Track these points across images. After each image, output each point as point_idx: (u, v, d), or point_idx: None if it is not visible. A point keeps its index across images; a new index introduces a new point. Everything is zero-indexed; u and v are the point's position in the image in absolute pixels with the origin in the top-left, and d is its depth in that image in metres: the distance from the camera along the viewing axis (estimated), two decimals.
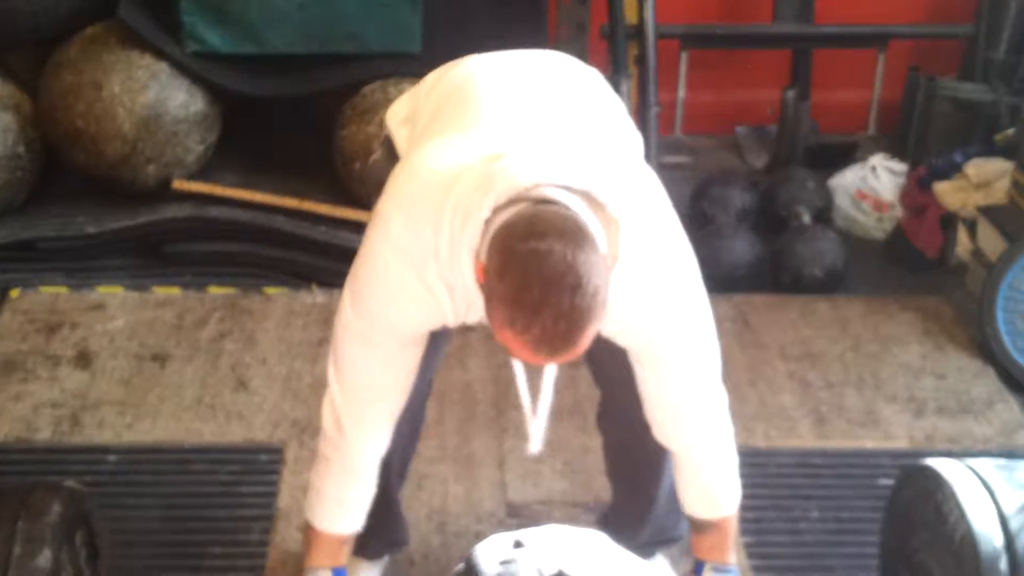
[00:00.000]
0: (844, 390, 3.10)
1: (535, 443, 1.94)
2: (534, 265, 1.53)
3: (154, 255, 3.50)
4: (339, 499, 1.98)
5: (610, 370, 2.07)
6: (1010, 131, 3.71)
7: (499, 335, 1.59)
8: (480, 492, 2.69)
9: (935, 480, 2.05)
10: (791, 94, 4.00)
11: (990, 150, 3.78)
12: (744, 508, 2.65)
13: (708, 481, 2.00)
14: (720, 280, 3.49)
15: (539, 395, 1.91)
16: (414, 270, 1.75)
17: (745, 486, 2.72)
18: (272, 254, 3.47)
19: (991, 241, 3.45)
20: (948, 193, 3.64)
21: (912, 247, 3.74)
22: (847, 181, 3.93)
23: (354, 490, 1.98)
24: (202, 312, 3.34)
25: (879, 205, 3.87)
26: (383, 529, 2.31)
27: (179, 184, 3.50)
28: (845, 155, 4.10)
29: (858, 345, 3.29)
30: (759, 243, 3.65)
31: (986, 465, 2.06)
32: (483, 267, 1.61)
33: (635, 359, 1.90)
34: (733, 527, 2.06)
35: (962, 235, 3.61)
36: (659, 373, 1.90)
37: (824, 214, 3.88)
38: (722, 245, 3.56)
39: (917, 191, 3.78)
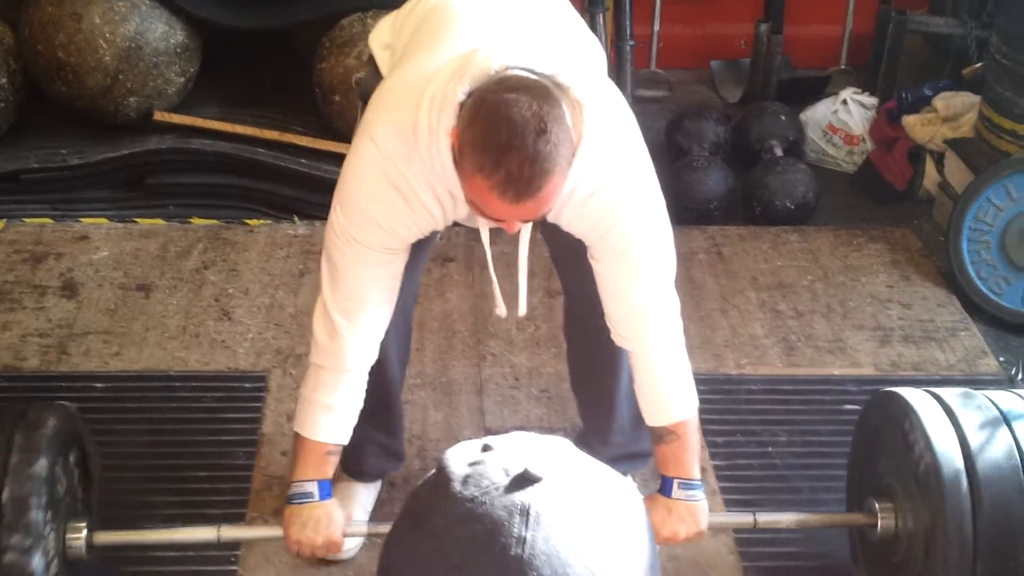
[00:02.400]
0: (813, 319, 3.18)
1: (501, 308, 2.04)
2: (503, 110, 1.63)
3: (137, 187, 3.54)
4: (328, 405, 2.01)
5: (574, 270, 2.16)
6: (978, 65, 3.77)
7: (469, 188, 1.70)
8: (459, 418, 2.77)
9: (903, 408, 2.12)
10: (764, 28, 4.04)
11: (959, 84, 3.85)
12: (714, 433, 2.77)
13: (663, 383, 2.06)
14: (694, 212, 3.57)
15: (517, 261, 2.01)
16: (400, 176, 1.83)
17: (715, 412, 2.83)
18: (254, 186, 3.51)
19: (958, 174, 3.53)
20: (917, 126, 3.71)
21: (881, 179, 3.81)
22: (818, 115, 3.99)
23: (343, 396, 2.02)
24: (185, 243, 3.39)
25: (849, 138, 3.93)
26: (386, 433, 2.40)
27: (161, 116, 3.53)
28: (817, 89, 4.16)
29: (827, 275, 3.37)
30: (732, 176, 3.71)
31: (951, 394, 2.14)
32: (458, 132, 1.71)
33: (593, 254, 1.98)
34: (694, 438, 2.09)
35: (930, 168, 3.69)
36: (615, 266, 1.97)
37: (796, 147, 3.94)
38: (696, 178, 3.62)
39: (886, 124, 3.85)
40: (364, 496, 2.48)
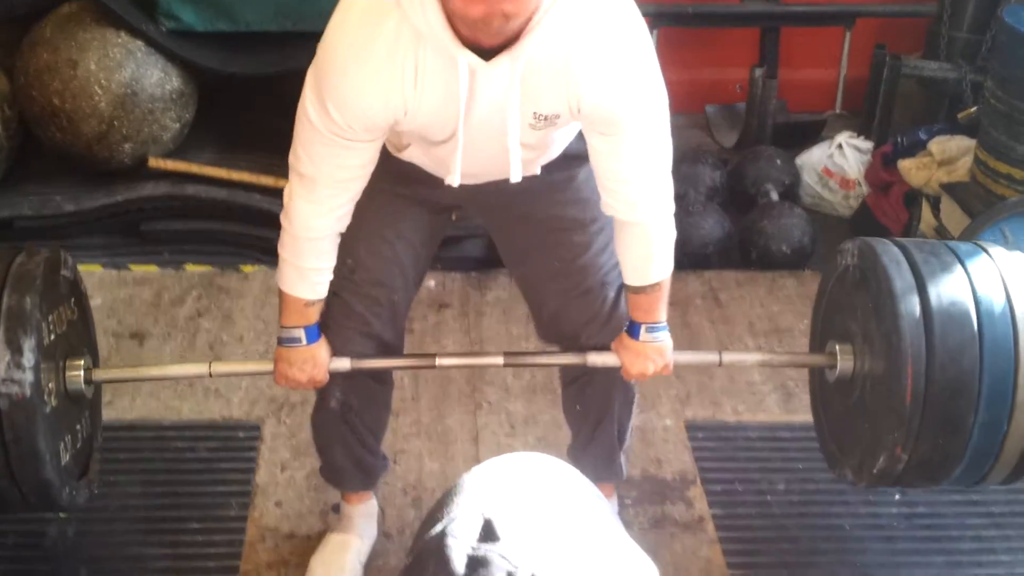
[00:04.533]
0: None
1: (455, 177, 2.00)
2: None
3: (132, 233, 3.53)
4: (298, 267, 2.10)
5: (538, 273, 2.24)
6: (973, 109, 3.77)
7: None
8: (455, 467, 2.75)
9: (865, 254, 2.20)
10: (759, 73, 4.05)
11: (953, 128, 3.85)
12: (712, 481, 2.75)
13: (652, 250, 2.11)
14: (690, 257, 3.56)
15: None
16: (375, 35, 1.81)
17: (713, 459, 2.82)
18: (249, 232, 3.50)
19: (954, 218, 3.52)
20: (912, 170, 3.71)
21: (877, 223, 3.81)
22: (814, 159, 3.99)
23: (310, 260, 2.09)
24: (179, 290, 3.37)
25: (845, 182, 3.93)
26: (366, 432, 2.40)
27: (155, 162, 3.52)
28: (812, 133, 4.16)
29: None
30: (728, 220, 3.71)
31: (914, 244, 2.21)
32: None
33: (591, 128, 1.97)
34: (666, 289, 2.17)
35: (926, 212, 3.68)
36: (608, 138, 1.97)
37: (792, 191, 3.94)
38: (692, 222, 3.61)
39: (882, 168, 3.85)
40: (355, 552, 2.47)
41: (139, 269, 3.46)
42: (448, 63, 1.81)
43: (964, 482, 2.21)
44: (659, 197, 2.06)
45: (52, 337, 2.13)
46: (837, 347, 2.28)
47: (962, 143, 3.72)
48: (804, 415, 2.97)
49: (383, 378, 2.40)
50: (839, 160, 3.95)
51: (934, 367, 2.04)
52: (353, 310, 2.21)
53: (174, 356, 3.09)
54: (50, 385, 2.10)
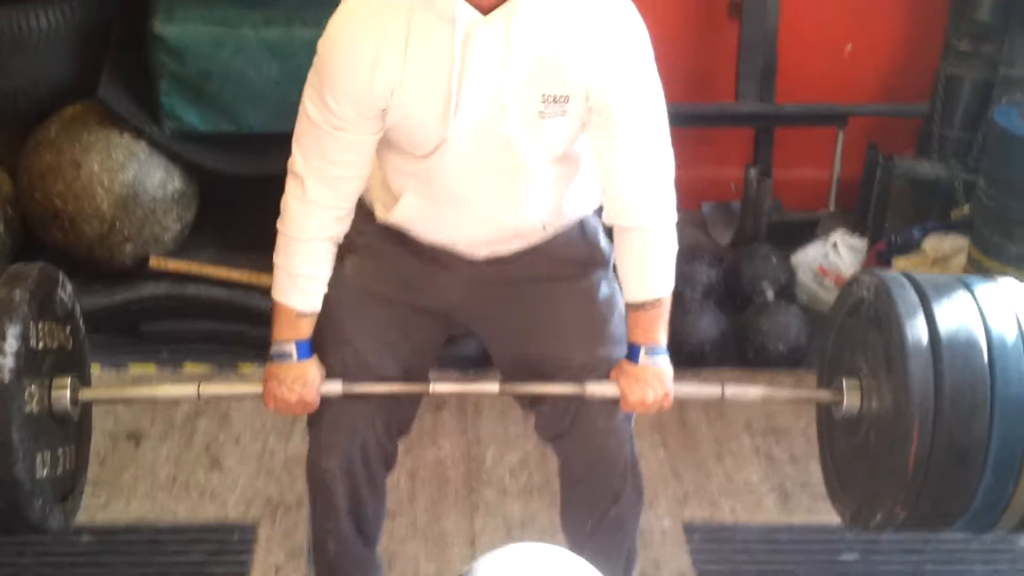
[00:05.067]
0: (809, 465, 3.15)
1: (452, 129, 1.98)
2: None
3: (131, 333, 3.54)
4: (289, 273, 2.10)
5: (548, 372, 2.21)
6: (965, 207, 3.81)
7: None
8: (451, 572, 2.73)
9: (875, 288, 2.18)
10: (754, 172, 4.10)
11: (947, 226, 3.89)
12: None
13: (652, 258, 2.10)
14: (687, 355, 3.56)
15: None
16: (370, 16, 1.88)
17: (711, 561, 2.80)
18: (248, 331, 3.51)
19: None
20: (907, 268, 3.74)
21: None
22: (809, 257, 4.02)
23: (302, 265, 2.09)
24: None
25: (840, 281, 3.95)
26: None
27: (156, 262, 3.55)
28: (807, 231, 4.20)
29: None
30: (724, 318, 3.73)
31: (925, 278, 2.19)
32: None
33: (594, 122, 1.98)
34: (667, 308, 2.15)
35: None
36: (611, 131, 1.98)
37: (787, 289, 3.96)
38: (688, 320, 3.62)
39: (877, 266, 3.87)
40: None
41: (138, 369, 3.47)
42: (440, 27, 1.85)
43: (969, 531, 2.19)
44: (660, 201, 2.07)
45: (41, 345, 2.12)
46: (844, 384, 2.25)
47: (955, 241, 3.75)
48: (802, 516, 2.99)
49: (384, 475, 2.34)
50: (834, 258, 3.97)
51: (941, 432, 2.01)
52: (342, 421, 2.19)
53: (170, 457, 3.10)
54: (32, 388, 2.07)
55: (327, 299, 2.17)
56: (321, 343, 2.19)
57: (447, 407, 3.33)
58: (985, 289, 2.18)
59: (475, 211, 2.08)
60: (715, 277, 3.90)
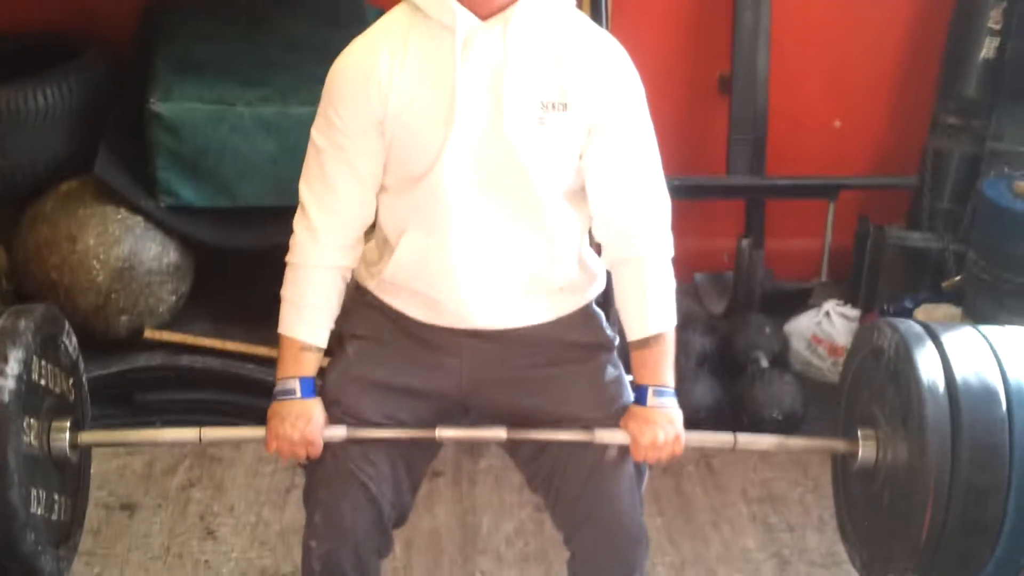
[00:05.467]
0: (805, 532, 3.15)
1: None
2: None
3: (125, 403, 3.53)
4: (297, 305, 2.09)
5: (569, 487, 2.16)
6: (957, 278, 3.83)
7: None
8: None
9: (892, 337, 2.16)
10: (746, 243, 4.13)
11: (939, 296, 3.91)
12: None
13: (650, 290, 2.10)
14: (683, 424, 3.55)
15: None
16: (374, 35, 1.98)
17: None
18: (242, 401, 3.50)
19: None
20: None
21: None
22: (802, 326, 4.04)
23: (311, 294, 2.10)
24: (171, 460, 3.36)
25: (834, 349, 3.97)
26: None
27: (151, 334, 3.56)
28: (800, 301, 4.22)
29: (818, 487, 3.34)
30: (719, 387, 3.73)
31: (941, 327, 2.18)
32: None
33: (591, 146, 2.01)
34: (672, 347, 2.14)
35: None
36: (605, 153, 2.01)
37: (781, 358, 3.97)
38: (683, 389, 3.57)
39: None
40: None
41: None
42: (440, 35, 1.91)
43: None
44: (657, 229, 2.09)
45: (42, 382, 2.12)
46: (860, 434, 2.24)
47: (948, 311, 3.77)
48: None
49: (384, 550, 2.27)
50: (827, 327, 3.99)
51: (956, 503, 1.99)
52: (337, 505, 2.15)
53: (164, 528, 3.07)
54: (31, 420, 2.06)
55: (328, 382, 2.16)
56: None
57: (443, 475, 3.31)
58: (999, 334, 2.17)
59: (480, 244, 2.05)
60: (709, 345, 3.91)
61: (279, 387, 2.13)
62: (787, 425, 3.63)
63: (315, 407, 2.11)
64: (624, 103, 2.01)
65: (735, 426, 3.64)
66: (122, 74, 3.80)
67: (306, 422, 2.09)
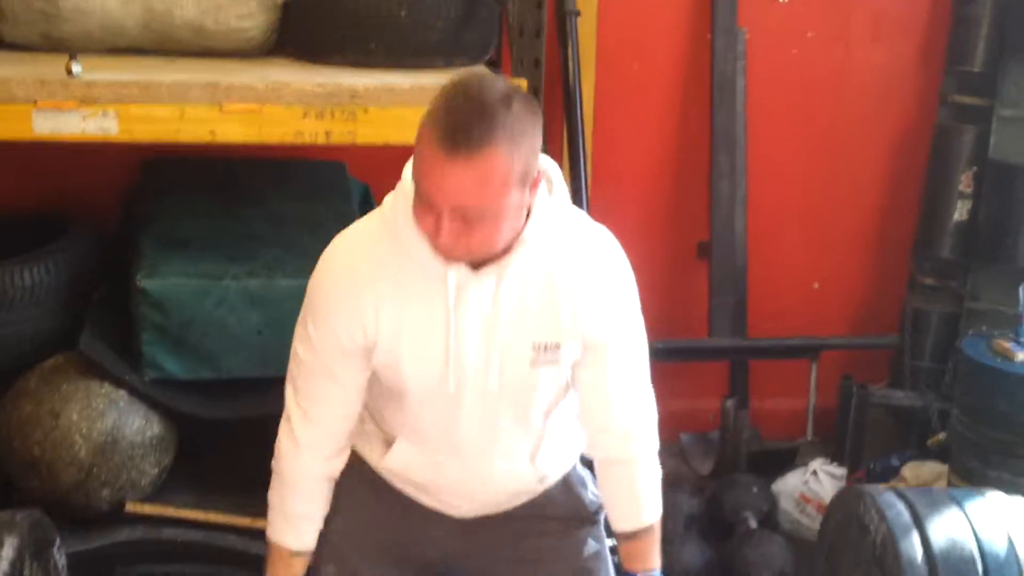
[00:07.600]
0: None
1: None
2: (461, 87, 1.67)
3: None
4: (285, 513, 2.06)
5: None
6: (941, 435, 3.84)
7: (417, 164, 1.70)
8: None
9: (858, 497, 2.13)
10: (730, 403, 4.14)
11: (924, 453, 3.91)
12: None
13: (642, 489, 2.09)
14: None
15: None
16: (361, 258, 1.90)
17: None
18: (224, 573, 3.45)
19: None
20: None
21: None
22: (790, 485, 4.02)
23: (295, 504, 2.05)
24: None
25: (822, 508, 3.93)
26: None
27: (133, 507, 3.51)
28: (787, 460, 4.21)
29: None
30: (708, 548, 3.70)
31: (913, 492, 2.25)
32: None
33: (586, 361, 1.98)
34: (658, 531, 2.12)
35: None
36: (600, 367, 1.99)
37: (770, 518, 3.94)
38: (671, 551, 3.58)
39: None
40: None
41: None
42: (432, 281, 1.85)
43: None
44: (649, 431, 2.09)
45: None
46: None
47: (935, 468, 3.77)
48: None
49: None
50: (815, 486, 3.98)
51: None
52: None
53: None
54: None
55: (315, 552, 2.15)
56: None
57: None
58: (972, 498, 2.23)
59: (469, 462, 2.05)
60: (697, 507, 3.88)
61: None
62: None
63: None
64: (620, 321, 2.00)
65: None
66: (107, 250, 3.84)
67: None
